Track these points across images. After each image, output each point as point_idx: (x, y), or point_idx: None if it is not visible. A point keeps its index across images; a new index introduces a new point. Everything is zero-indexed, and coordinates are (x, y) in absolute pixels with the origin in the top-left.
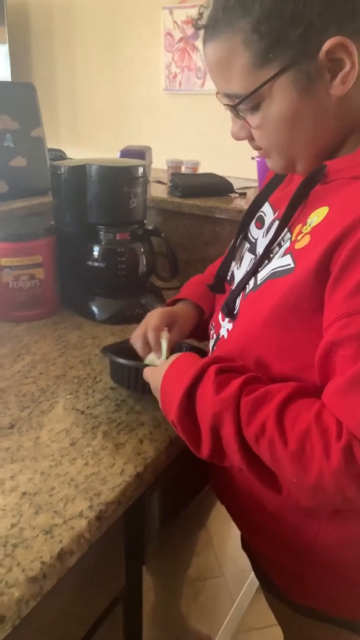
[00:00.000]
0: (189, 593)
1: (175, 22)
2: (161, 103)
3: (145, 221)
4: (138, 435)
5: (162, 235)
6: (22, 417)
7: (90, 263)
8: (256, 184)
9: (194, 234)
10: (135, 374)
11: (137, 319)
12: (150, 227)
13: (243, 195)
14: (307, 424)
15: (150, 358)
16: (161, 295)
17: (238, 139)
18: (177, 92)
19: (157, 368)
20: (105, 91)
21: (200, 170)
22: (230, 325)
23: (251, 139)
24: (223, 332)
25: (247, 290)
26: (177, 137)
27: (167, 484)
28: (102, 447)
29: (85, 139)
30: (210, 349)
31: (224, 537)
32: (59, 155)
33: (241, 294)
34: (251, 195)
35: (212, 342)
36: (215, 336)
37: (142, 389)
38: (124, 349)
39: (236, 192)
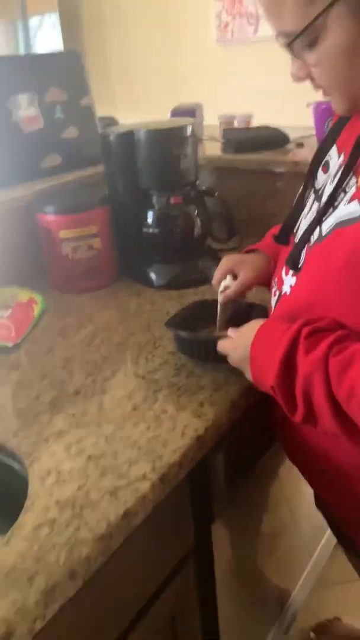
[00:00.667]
0: (265, 548)
1: None
2: (214, 56)
3: (197, 182)
4: (198, 399)
5: (216, 194)
6: (87, 384)
7: (145, 229)
8: (313, 132)
9: (252, 191)
10: (205, 346)
11: (195, 283)
12: (203, 188)
13: (300, 145)
14: None
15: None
16: (218, 257)
17: (298, 79)
18: (230, 43)
19: (235, 340)
20: (157, 50)
21: (256, 122)
22: (293, 280)
23: (312, 78)
24: (286, 289)
25: (312, 241)
26: (231, 90)
27: (231, 445)
28: (163, 410)
29: (141, 102)
30: (272, 306)
31: (298, 493)
32: (110, 122)
33: (306, 246)
34: (308, 145)
35: (274, 300)
36: (278, 293)
37: (214, 359)
38: (186, 317)
39: (293, 143)
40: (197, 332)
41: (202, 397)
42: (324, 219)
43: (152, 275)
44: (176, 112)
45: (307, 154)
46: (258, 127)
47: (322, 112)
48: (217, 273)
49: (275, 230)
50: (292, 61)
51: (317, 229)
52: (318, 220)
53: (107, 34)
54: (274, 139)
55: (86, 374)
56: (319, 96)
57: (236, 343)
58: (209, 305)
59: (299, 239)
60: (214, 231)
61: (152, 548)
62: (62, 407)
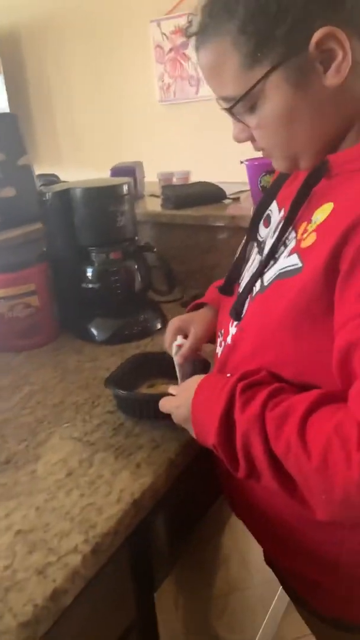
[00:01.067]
0: (217, 607)
1: (163, 33)
2: (157, 115)
3: (137, 237)
4: (136, 460)
5: (155, 250)
6: (19, 450)
7: (85, 285)
8: (248, 187)
9: (191, 244)
10: (146, 405)
11: (137, 336)
12: (142, 243)
13: (236, 200)
14: (327, 435)
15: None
16: (160, 309)
17: (239, 141)
18: (173, 102)
19: (177, 398)
20: (102, 110)
21: (194, 179)
22: (235, 330)
23: (253, 140)
24: (229, 339)
25: (255, 292)
26: (175, 147)
27: (171, 505)
28: (99, 475)
29: (86, 159)
30: (218, 355)
31: (249, 543)
32: (52, 180)
33: (248, 297)
34: (244, 199)
35: (219, 349)
36: (223, 343)
37: (155, 417)
38: (126, 373)
39: (229, 198)
40: (138, 387)
41: (140, 458)
42: (265, 270)
43: (94, 331)
44: (116, 171)
45: (242, 208)
46: (196, 183)
47: (254, 168)
48: (167, 336)
49: (219, 282)
50: (234, 124)
51: (259, 281)
52: (260, 272)
53: (53, 93)
54: (211, 195)
55: (19, 439)
56: (252, 154)
57: (179, 401)
58: (150, 358)
59: (242, 290)
60: (155, 284)
61: (89, 626)
62: None
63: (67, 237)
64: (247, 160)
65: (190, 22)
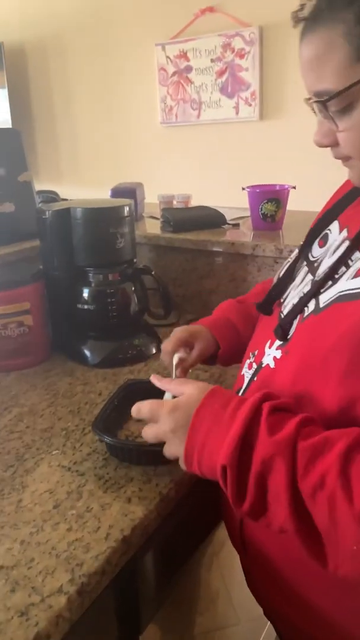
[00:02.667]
0: None
1: (168, 57)
2: (159, 136)
3: (135, 260)
4: (126, 493)
5: (153, 273)
6: (5, 478)
7: (80, 306)
8: (248, 214)
9: (188, 269)
10: (137, 454)
11: (131, 360)
12: (140, 266)
13: (236, 226)
14: None
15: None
16: (155, 333)
17: (321, 145)
18: (173, 125)
19: (169, 415)
20: (104, 129)
21: (195, 202)
22: (279, 353)
23: (335, 145)
24: (268, 360)
25: (306, 313)
26: (175, 170)
27: (160, 543)
28: (87, 508)
29: (86, 178)
30: (247, 380)
31: (233, 583)
32: (51, 197)
33: (298, 317)
34: (243, 226)
35: (250, 372)
36: (255, 365)
37: (146, 461)
38: (115, 408)
39: (229, 224)
40: (126, 422)
41: (130, 492)
42: (321, 291)
43: (87, 353)
44: (116, 191)
45: (242, 234)
46: (196, 207)
47: (256, 195)
48: (170, 344)
49: (228, 304)
50: (319, 126)
51: (313, 301)
52: (314, 293)
53: (56, 109)
54: (210, 219)
55: (6, 466)
56: (253, 181)
57: (173, 421)
58: (139, 387)
59: (291, 310)
60: (151, 307)
61: None
62: None
63: (65, 256)
64: (248, 187)
65: (302, 6)
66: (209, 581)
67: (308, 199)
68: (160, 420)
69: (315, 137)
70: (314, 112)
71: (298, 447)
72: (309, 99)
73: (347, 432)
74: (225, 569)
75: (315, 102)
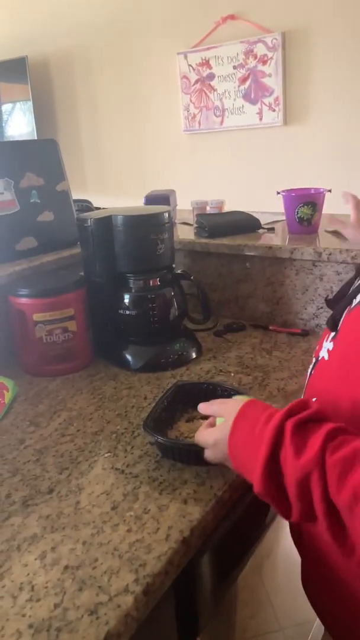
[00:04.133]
0: None
1: (190, 65)
2: (182, 144)
3: (174, 265)
4: (182, 495)
5: (192, 278)
6: (61, 480)
7: (121, 311)
8: (283, 218)
9: (224, 273)
10: (187, 453)
11: (172, 365)
12: (179, 271)
13: (271, 230)
14: None
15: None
16: (195, 338)
17: None
18: (197, 132)
19: (214, 430)
20: (128, 138)
21: (226, 208)
22: (331, 345)
23: None
24: (323, 353)
25: (354, 304)
26: (200, 177)
27: (216, 545)
28: (145, 510)
29: (111, 187)
30: (308, 373)
31: (279, 587)
32: (86, 206)
33: (347, 308)
34: (279, 229)
35: (310, 367)
36: (314, 359)
37: (196, 464)
38: (165, 408)
39: (264, 228)
40: (176, 422)
41: (186, 493)
42: None
43: (129, 358)
44: (150, 199)
45: (278, 238)
46: (230, 212)
47: (292, 199)
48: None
49: None
50: None
51: None
52: None
53: (80, 120)
54: (246, 224)
55: (61, 468)
56: (279, 186)
57: (215, 435)
58: (189, 388)
59: (343, 301)
60: (190, 312)
61: None
62: (36, 507)
63: (106, 263)
64: (283, 191)
65: None
66: (252, 586)
67: (336, 202)
68: (208, 454)
69: None
70: None
71: (327, 464)
72: None
73: None
74: (266, 575)
75: None
